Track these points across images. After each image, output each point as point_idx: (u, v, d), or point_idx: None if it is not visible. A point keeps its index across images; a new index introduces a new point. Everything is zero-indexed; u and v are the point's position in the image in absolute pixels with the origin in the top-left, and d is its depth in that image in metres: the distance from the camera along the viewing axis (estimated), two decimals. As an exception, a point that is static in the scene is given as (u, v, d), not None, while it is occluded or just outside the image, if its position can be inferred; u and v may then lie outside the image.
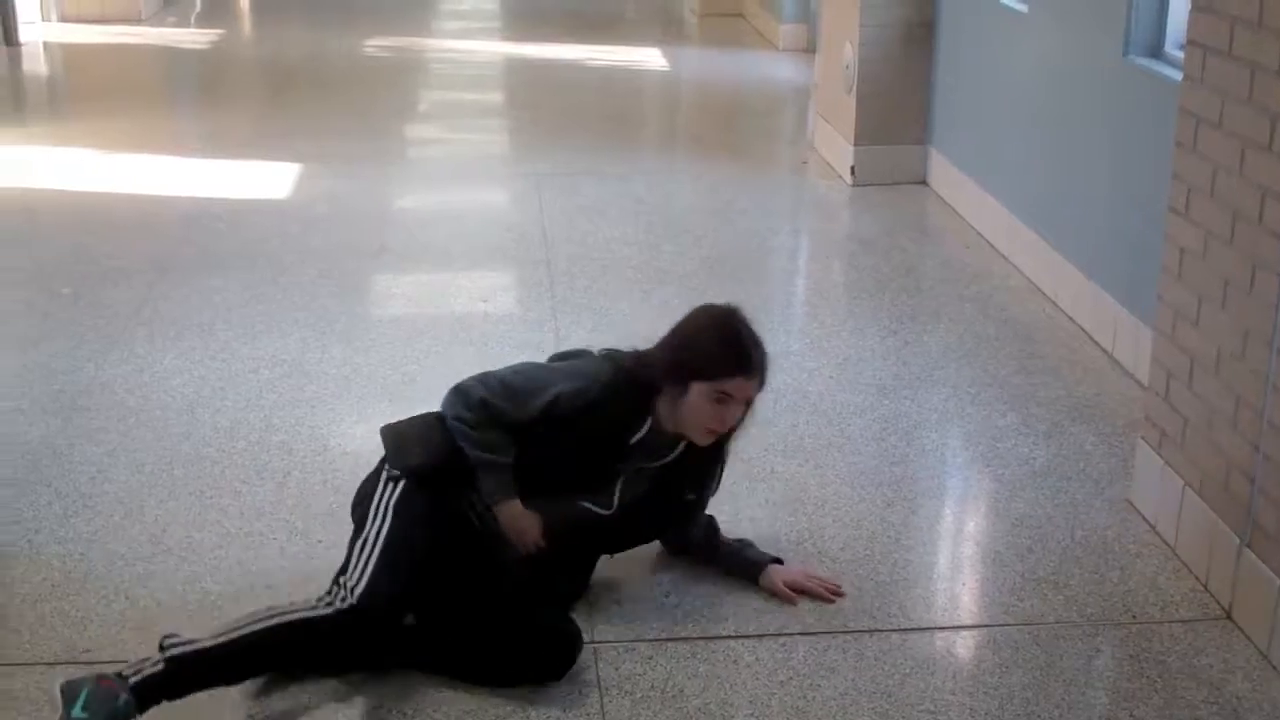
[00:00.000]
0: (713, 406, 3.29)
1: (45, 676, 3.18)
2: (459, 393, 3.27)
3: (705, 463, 3.49)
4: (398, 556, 3.16)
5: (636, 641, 3.36)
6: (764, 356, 3.35)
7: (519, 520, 3.28)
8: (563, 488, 3.34)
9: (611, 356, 3.39)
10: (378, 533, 3.18)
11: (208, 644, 3.01)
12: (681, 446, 3.41)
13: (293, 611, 3.09)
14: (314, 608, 3.10)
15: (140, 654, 3.25)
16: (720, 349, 3.31)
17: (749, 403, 3.37)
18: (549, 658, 3.20)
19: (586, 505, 3.37)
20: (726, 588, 3.58)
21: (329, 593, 3.14)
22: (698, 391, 3.28)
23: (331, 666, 3.17)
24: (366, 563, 3.14)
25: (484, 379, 3.29)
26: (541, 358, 4.91)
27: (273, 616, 3.07)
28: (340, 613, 3.08)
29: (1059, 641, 3.39)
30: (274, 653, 3.08)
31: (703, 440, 3.37)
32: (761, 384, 3.37)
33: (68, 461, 4.23)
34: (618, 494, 3.38)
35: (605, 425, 3.30)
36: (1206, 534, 3.61)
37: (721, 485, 3.57)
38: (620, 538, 3.52)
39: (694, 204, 7.13)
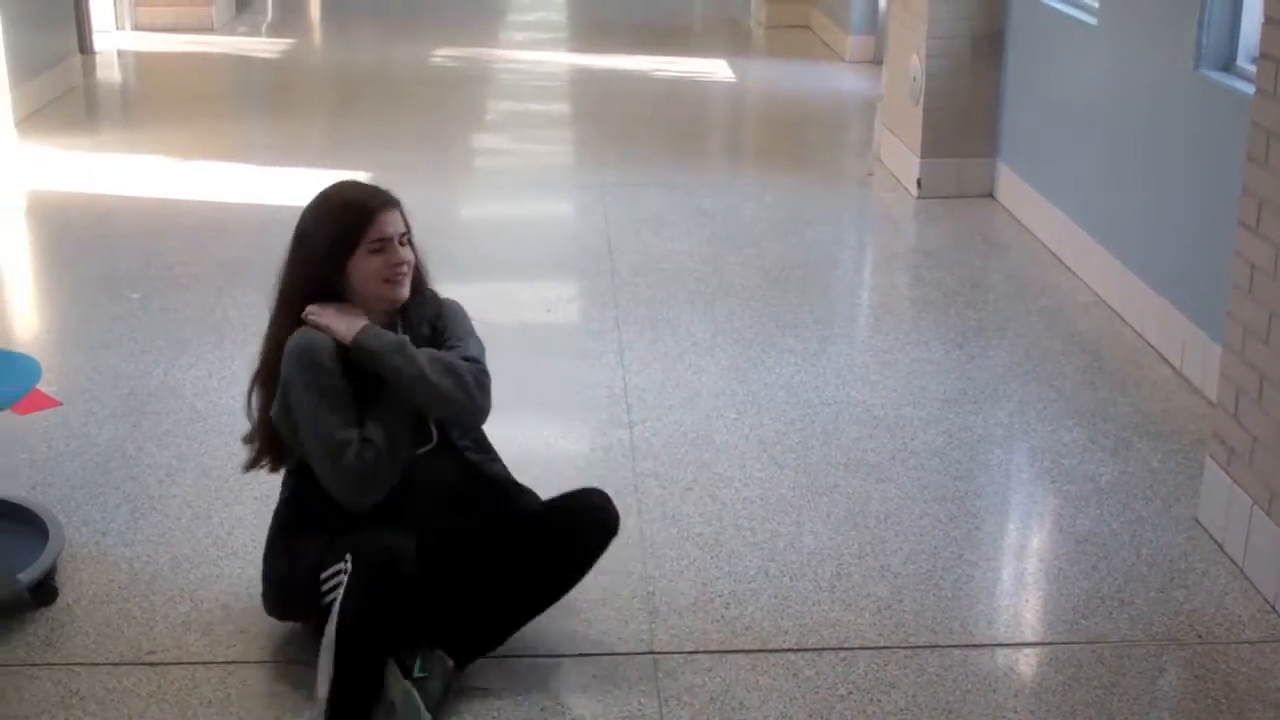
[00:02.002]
0: (376, 259, 3.19)
1: (111, 676, 3.23)
2: (345, 473, 3.10)
3: (436, 324, 3.37)
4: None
5: (696, 653, 3.36)
6: (377, 188, 3.25)
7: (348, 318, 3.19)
8: (404, 446, 3.21)
9: (273, 324, 3.25)
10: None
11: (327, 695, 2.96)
12: (400, 323, 3.28)
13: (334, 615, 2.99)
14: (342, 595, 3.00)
15: (203, 656, 3.30)
16: (339, 212, 3.20)
17: (406, 239, 3.26)
18: (591, 532, 3.28)
19: (418, 452, 3.26)
20: (787, 600, 3.57)
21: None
22: (355, 264, 3.18)
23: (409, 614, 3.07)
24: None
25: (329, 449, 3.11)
26: (604, 368, 4.99)
27: (331, 633, 2.97)
28: (354, 572, 2.99)
29: (1123, 660, 3.36)
30: (363, 647, 2.98)
31: (396, 293, 3.23)
32: (402, 215, 3.25)
33: (136, 465, 4.28)
34: (430, 422, 3.29)
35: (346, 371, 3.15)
36: (1275, 553, 3.56)
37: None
38: (458, 461, 3.36)
39: (758, 216, 7.12)
